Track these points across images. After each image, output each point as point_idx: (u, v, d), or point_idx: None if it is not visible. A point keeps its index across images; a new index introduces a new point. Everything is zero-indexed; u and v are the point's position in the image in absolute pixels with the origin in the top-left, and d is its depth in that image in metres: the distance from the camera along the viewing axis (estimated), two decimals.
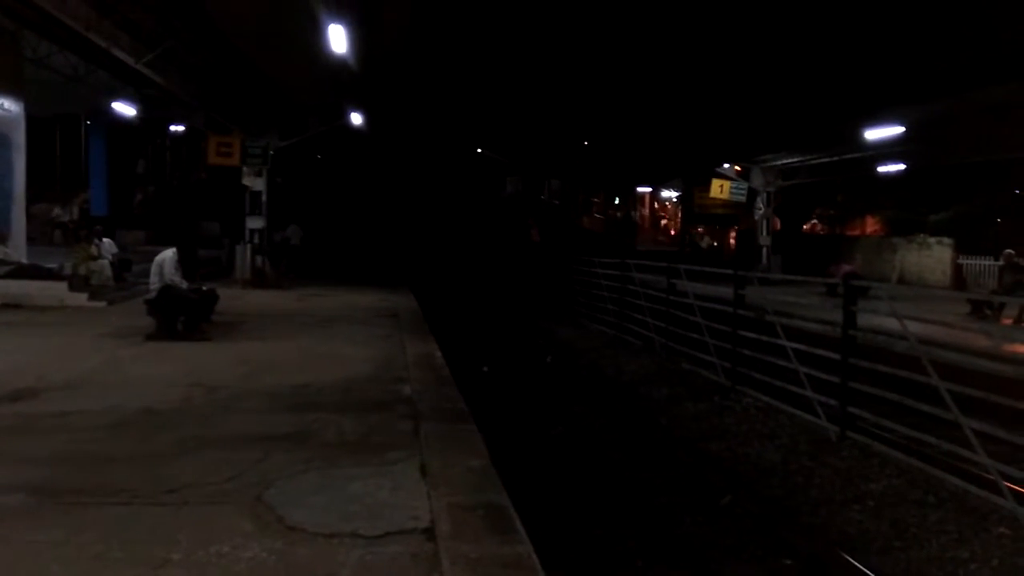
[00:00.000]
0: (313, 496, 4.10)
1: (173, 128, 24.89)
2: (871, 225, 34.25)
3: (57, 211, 26.40)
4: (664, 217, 53.79)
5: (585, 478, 7.20)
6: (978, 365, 6.30)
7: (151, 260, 10.02)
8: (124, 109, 19.17)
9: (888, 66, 15.58)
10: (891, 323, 6.96)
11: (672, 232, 48.59)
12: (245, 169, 18.35)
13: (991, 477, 5.51)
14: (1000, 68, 14.00)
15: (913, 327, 6.91)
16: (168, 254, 9.55)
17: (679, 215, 45.77)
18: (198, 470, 4.43)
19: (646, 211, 52.90)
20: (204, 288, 10.14)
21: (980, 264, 20.65)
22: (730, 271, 10.43)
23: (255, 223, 18.50)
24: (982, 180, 24.70)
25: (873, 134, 18.67)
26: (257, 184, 18.42)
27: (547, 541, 4.98)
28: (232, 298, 14.01)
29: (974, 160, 21.62)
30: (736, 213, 35.96)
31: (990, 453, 5.59)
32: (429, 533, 3.65)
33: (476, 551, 3.45)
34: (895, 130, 18.05)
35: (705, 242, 43.92)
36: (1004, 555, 4.93)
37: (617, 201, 50.89)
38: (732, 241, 40.73)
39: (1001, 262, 15.52)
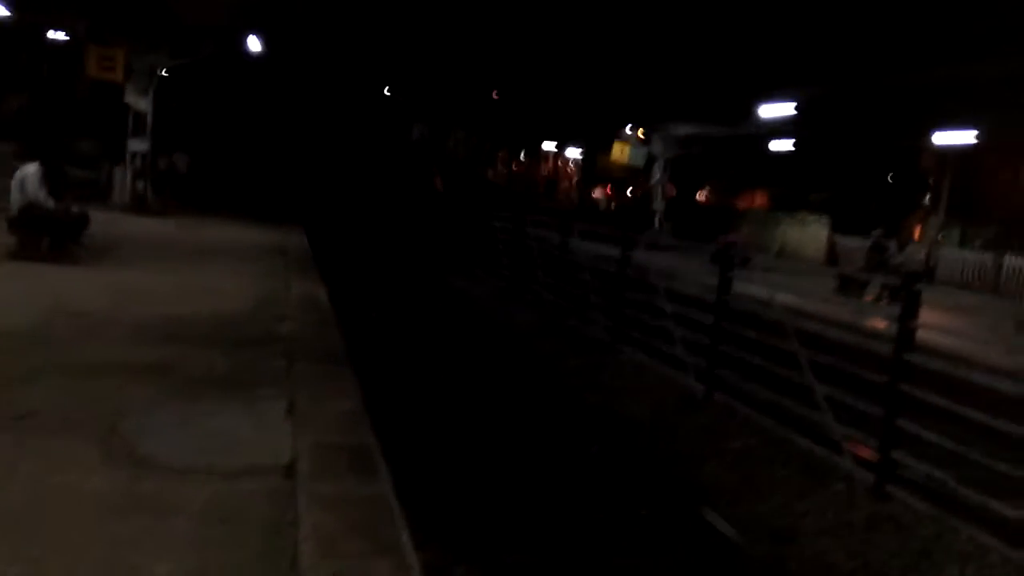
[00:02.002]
0: (171, 430, 3.97)
1: (52, 35, 22.95)
2: (759, 199, 35.71)
3: None
4: (567, 176, 54.28)
5: (461, 423, 7.28)
6: (834, 336, 6.71)
7: None
8: None
9: (782, 48, 16.12)
10: (765, 292, 7.30)
11: (573, 191, 49.14)
12: (129, 87, 17.17)
13: (835, 438, 5.92)
14: (887, 60, 14.74)
15: (784, 298, 7.27)
16: (31, 169, 8.89)
17: (581, 175, 46.24)
18: (49, 398, 4.22)
19: (550, 169, 53.21)
20: (73, 209, 9.51)
21: (852, 243, 21.94)
22: (620, 233, 10.64)
23: (138, 145, 17.42)
24: (862, 164, 26.12)
25: (766, 111, 19.36)
26: (142, 104, 17.30)
27: (411, 484, 5.03)
28: (108, 223, 13.21)
29: (856, 144, 22.83)
30: (634, 177, 36.73)
31: (837, 417, 6.00)
32: (289, 471, 3.61)
33: (334, 490, 3.44)
34: (786, 108, 18.78)
35: (603, 204, 44.66)
36: (838, 509, 5.34)
37: (522, 157, 50.92)
38: (629, 204, 41.61)
39: (870, 242, 16.57)
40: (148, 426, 3.97)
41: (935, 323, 6.51)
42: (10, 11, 16.99)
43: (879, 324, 9.71)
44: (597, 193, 44.45)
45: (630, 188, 41.03)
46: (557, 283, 12.21)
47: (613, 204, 44.26)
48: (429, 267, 19.42)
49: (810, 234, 25.15)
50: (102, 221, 12.25)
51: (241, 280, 9.05)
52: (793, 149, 25.70)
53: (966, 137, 18.99)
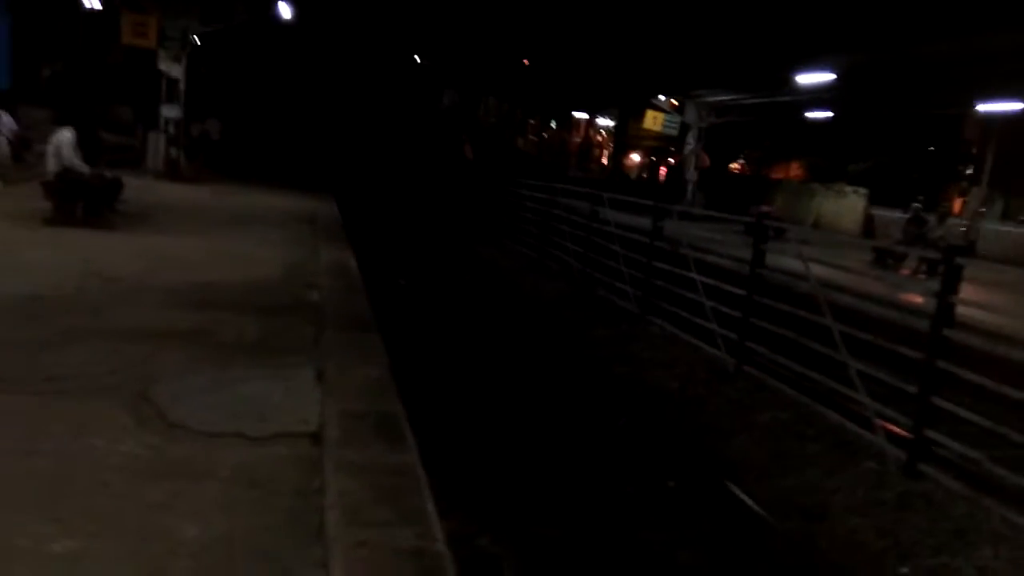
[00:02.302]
0: (201, 395, 4.01)
1: (87, 2, 23.06)
2: (795, 170, 35.05)
3: None
4: (599, 145, 53.71)
5: (488, 392, 7.30)
6: (870, 310, 6.57)
7: None
8: None
9: (821, 13, 15.66)
10: (799, 265, 7.16)
11: (604, 161, 48.65)
12: (162, 53, 17.24)
13: (867, 415, 5.82)
14: (930, 27, 14.25)
15: (818, 270, 7.13)
16: (66, 135, 8.98)
17: (614, 143, 45.74)
18: (81, 361, 4.27)
19: (581, 137, 52.67)
20: (108, 174, 9.61)
21: (890, 215, 21.47)
22: (652, 203, 10.50)
23: (171, 112, 17.53)
24: (903, 134, 25.45)
25: (804, 79, 18.89)
26: (175, 70, 17.38)
27: (437, 452, 5.05)
28: (142, 188, 13.36)
29: (895, 113, 22.22)
30: (668, 147, 36.21)
31: (870, 393, 5.90)
32: (316, 438, 3.63)
33: (361, 457, 3.45)
34: (824, 76, 18.29)
35: (635, 173, 44.17)
36: (869, 487, 5.26)
37: (553, 125, 50.45)
38: (663, 173, 41.11)
39: (908, 214, 16.18)
40: (179, 391, 4.01)
41: (975, 299, 6.35)
42: None
43: (916, 299, 9.50)
44: (631, 162, 43.95)
45: (662, 160, 40.46)
46: (587, 253, 12.13)
47: (645, 174, 43.79)
48: (458, 236, 19.40)
49: (847, 206, 24.64)
50: (136, 187, 12.38)
51: (272, 247, 9.11)
52: (831, 118, 25.10)
53: (1012, 107, 18.36)
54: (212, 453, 3.35)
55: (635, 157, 44.97)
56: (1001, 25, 13.42)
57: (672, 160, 38.80)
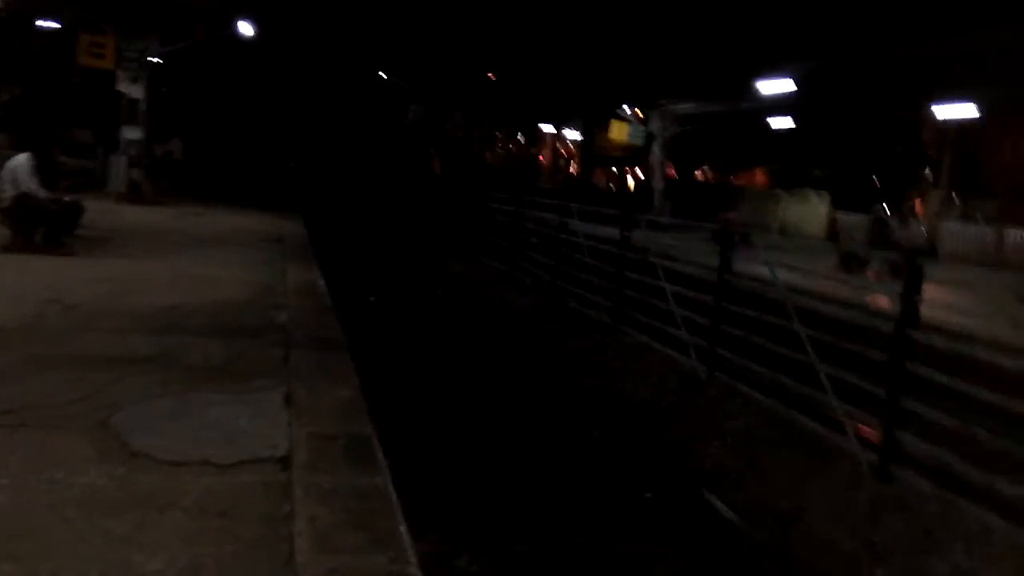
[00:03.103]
0: (165, 422, 3.91)
1: (43, 24, 22.71)
2: (759, 176, 35.50)
3: None
4: (566, 156, 53.97)
5: (460, 408, 7.24)
6: (836, 313, 6.64)
7: None
8: None
9: (780, 21, 15.94)
10: (766, 271, 7.22)
11: (572, 172, 48.90)
12: (121, 74, 17.01)
13: (838, 418, 5.87)
14: (884, 32, 14.56)
15: (784, 275, 7.20)
16: (21, 159, 8.78)
17: (580, 155, 45.98)
18: (41, 391, 4.16)
19: (548, 150, 52.89)
20: (67, 199, 9.42)
21: (853, 219, 21.81)
22: (620, 213, 10.55)
23: (132, 133, 17.28)
24: (863, 139, 25.90)
25: (765, 87, 19.18)
26: (134, 91, 17.14)
27: (409, 473, 4.99)
28: (103, 212, 13.12)
29: (855, 117, 22.64)
30: (634, 156, 36.45)
31: (840, 396, 5.94)
32: (285, 462, 3.56)
33: (331, 481, 3.39)
34: (784, 84, 18.60)
35: (602, 183, 44.43)
36: (841, 491, 5.29)
37: (520, 138, 50.61)
38: (630, 183, 41.40)
39: (870, 217, 16.46)
40: (142, 418, 3.91)
41: (938, 299, 6.44)
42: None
43: (881, 301, 9.64)
44: (597, 176, 44.21)
45: (625, 170, 40.78)
46: (557, 265, 12.13)
47: (613, 185, 44.07)
48: (428, 251, 19.33)
49: (811, 211, 25.00)
50: (97, 211, 12.15)
51: (238, 268, 8.98)
52: (793, 125, 25.49)
53: (966, 110, 18.81)
54: (177, 482, 3.27)
55: (602, 168, 45.24)
56: (952, 29, 13.76)
57: (638, 170, 39.10)
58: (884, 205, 16.21)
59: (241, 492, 3.24)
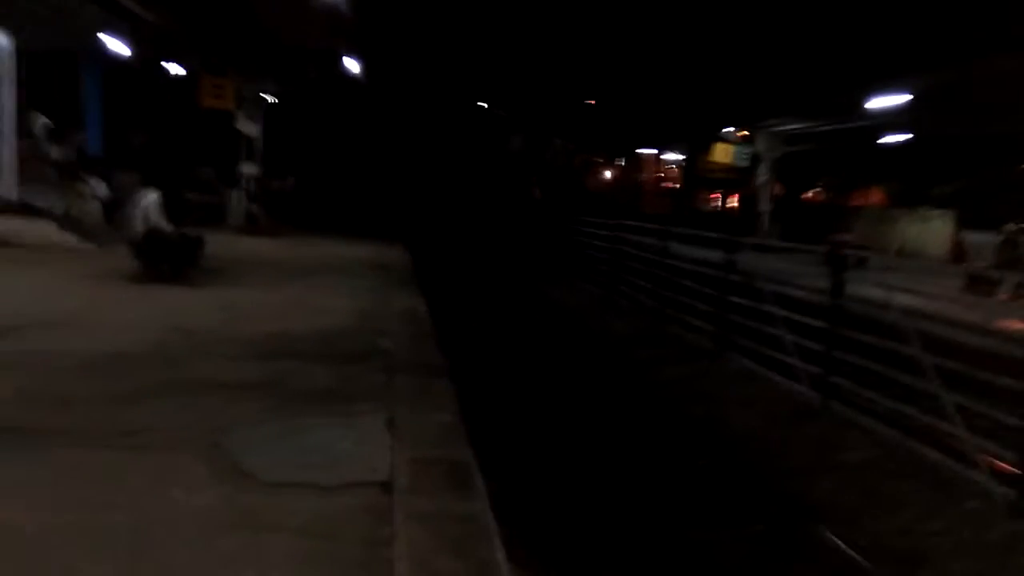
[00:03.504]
0: (273, 444, 4.04)
1: (170, 69, 24.44)
2: (875, 196, 33.91)
3: (53, 149, 26.06)
4: (668, 180, 53.29)
5: (561, 435, 7.16)
6: (964, 339, 6.20)
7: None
8: (116, 46, 18.78)
9: (894, 34, 15.24)
10: (883, 294, 6.84)
11: (675, 196, 48.22)
12: (239, 113, 18.07)
13: (968, 451, 5.45)
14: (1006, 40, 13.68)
15: (905, 299, 6.81)
16: (152, 196, 9.42)
17: (682, 178, 45.29)
18: (159, 414, 4.37)
19: (650, 174, 52.37)
20: (190, 233, 10.01)
21: (982, 238, 20.44)
22: (724, 236, 10.29)
23: (249, 169, 18.29)
24: (988, 153, 24.33)
25: (877, 103, 18.35)
26: (252, 129, 18.17)
27: (511, 500, 4.94)
28: (223, 244, 13.86)
29: (980, 132, 21.31)
30: (739, 178, 35.60)
31: (969, 427, 5.53)
32: (386, 486, 3.59)
33: (431, 506, 3.40)
34: (900, 99, 17.73)
35: (707, 206, 43.55)
36: (972, 529, 4.89)
37: (622, 162, 50.38)
38: (734, 206, 40.38)
39: (1000, 237, 15.38)
40: (252, 441, 4.05)
41: None
42: (132, 50, 18.14)
43: (1015, 325, 8.95)
44: (702, 199, 43.41)
45: (735, 192, 39.80)
46: (657, 289, 11.92)
47: (718, 206, 43.12)
48: (527, 277, 19.43)
49: (933, 231, 23.62)
50: (218, 243, 12.86)
51: (344, 296, 9.27)
52: (910, 141, 24.25)
53: None
54: (283, 503, 3.35)
55: (707, 191, 44.38)
56: None
57: (745, 191, 38.14)
58: (1018, 224, 15.06)
59: (343, 515, 3.28)
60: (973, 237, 21.18)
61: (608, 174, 50.38)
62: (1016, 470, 5.01)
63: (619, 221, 14.97)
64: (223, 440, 4.01)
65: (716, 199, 43.94)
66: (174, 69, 22.60)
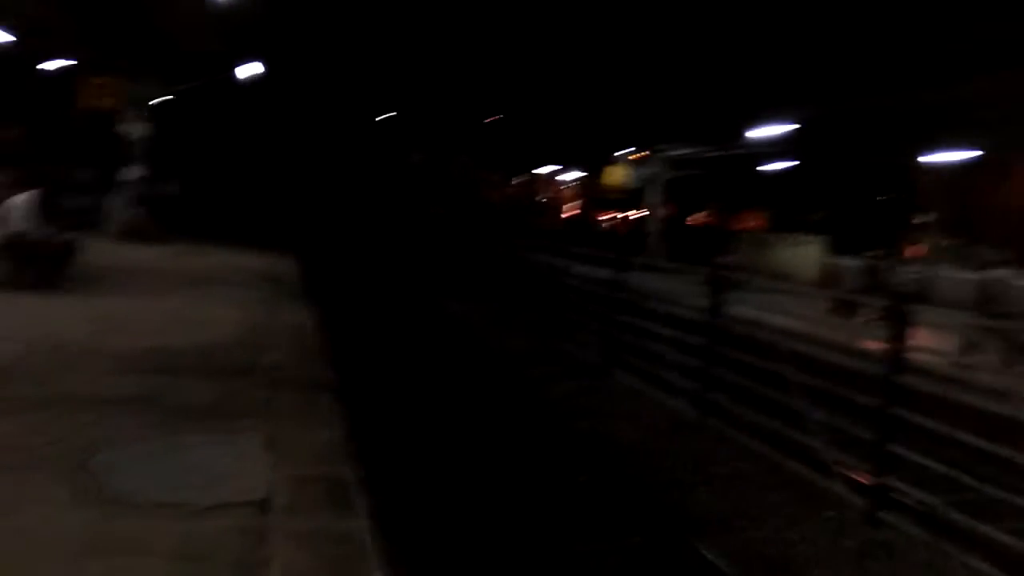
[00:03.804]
0: (145, 465, 3.89)
1: (48, 65, 23.07)
2: (756, 220, 35.70)
3: None
4: (564, 199, 54.32)
5: (447, 450, 7.18)
6: (826, 357, 6.65)
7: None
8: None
9: (776, 70, 16.24)
10: (758, 315, 7.25)
11: (572, 214, 49.25)
12: (122, 115, 17.24)
13: (828, 463, 5.84)
14: (880, 81, 14.82)
15: (777, 320, 7.24)
16: (20, 199, 8.87)
17: (578, 198, 46.35)
18: (19, 432, 4.14)
19: (548, 192, 53.28)
20: (60, 238, 9.47)
21: (848, 264, 21.85)
22: (615, 256, 10.62)
23: (132, 173, 17.45)
24: (859, 184, 26.14)
25: (762, 132, 19.43)
26: (136, 132, 17.36)
27: (395, 517, 4.93)
28: (102, 251, 13.20)
29: (853, 163, 22.86)
30: (632, 199, 36.75)
31: (829, 441, 5.92)
32: (264, 506, 3.53)
33: (309, 525, 3.36)
34: (782, 129, 18.85)
35: (601, 225, 44.68)
36: (830, 536, 5.24)
37: (520, 180, 51.09)
38: (628, 226, 41.63)
39: (863, 263, 16.53)
40: (121, 462, 3.88)
41: (930, 344, 6.45)
42: (14, 35, 16.99)
43: (872, 345, 9.64)
44: (596, 218, 44.50)
45: (625, 213, 41.07)
46: (552, 307, 12.16)
47: (609, 226, 44.31)
48: (425, 292, 19.35)
49: (804, 255, 25.05)
50: (95, 250, 12.21)
51: (230, 308, 8.99)
52: (790, 169, 25.74)
53: (960, 156, 19.03)
54: (153, 526, 3.23)
55: (601, 210, 45.55)
56: (944, 81, 14.01)
57: (636, 213, 39.40)
58: (880, 252, 16.27)
59: (217, 537, 3.20)
60: (840, 262, 22.63)
61: (508, 192, 50.93)
62: (868, 481, 5.40)
63: (517, 239, 15.20)
64: (90, 460, 3.83)
65: (610, 219, 45.17)
66: (52, 64, 21.33)
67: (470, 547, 5.15)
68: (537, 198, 50.04)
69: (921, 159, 20.80)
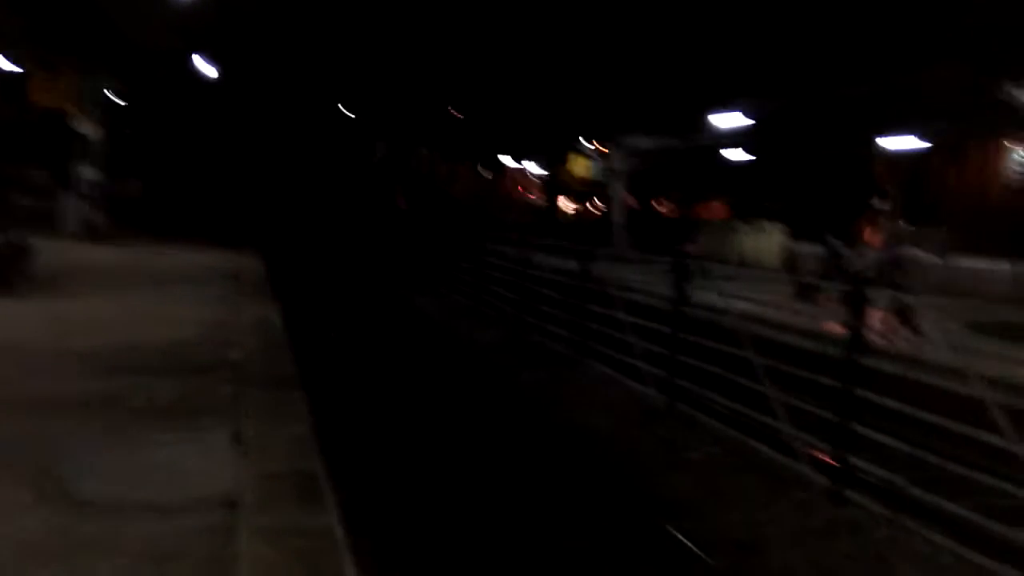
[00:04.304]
0: (110, 465, 3.82)
1: None
2: (718, 209, 36.11)
3: None
4: (529, 190, 54.38)
5: (417, 444, 7.16)
6: (790, 341, 6.75)
7: None
8: None
9: (735, 61, 16.41)
10: (722, 301, 7.32)
11: (537, 205, 49.31)
12: (78, 113, 16.85)
13: (793, 445, 5.93)
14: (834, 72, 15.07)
15: (742, 305, 7.33)
16: None
17: (544, 190, 46.43)
18: None
19: (512, 183, 53.26)
20: (11, 239, 9.24)
21: (809, 249, 22.21)
22: (581, 247, 10.66)
23: (88, 172, 17.08)
24: (818, 171, 26.50)
25: (720, 122, 19.64)
26: (91, 130, 16.98)
27: (366, 511, 4.91)
28: (58, 252, 12.91)
29: (811, 151, 23.21)
30: (596, 191, 36.91)
31: (795, 423, 6.01)
32: (232, 503, 3.49)
33: (278, 522, 3.33)
34: (740, 120, 19.08)
35: (566, 216, 44.85)
36: (798, 517, 5.33)
37: (484, 172, 50.98)
38: (591, 217, 41.82)
39: (824, 248, 16.81)
40: (85, 463, 3.81)
41: (890, 327, 6.58)
42: None
43: (834, 328, 9.82)
44: (564, 206, 44.64)
45: (590, 204, 41.29)
46: (520, 298, 12.17)
47: (575, 216, 44.51)
48: (393, 286, 19.26)
49: (767, 242, 25.44)
50: (52, 250, 11.95)
51: (192, 306, 8.86)
52: (749, 159, 26.07)
53: (913, 142, 19.44)
54: (119, 527, 3.18)
55: (566, 202, 45.70)
56: (895, 69, 14.28)
57: (601, 204, 39.58)
58: (837, 235, 16.58)
59: (185, 535, 3.16)
60: (802, 247, 23.01)
61: (473, 184, 50.81)
62: (832, 461, 5.51)
63: (483, 231, 15.16)
64: (52, 462, 3.75)
65: (575, 210, 45.35)
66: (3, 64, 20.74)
67: (442, 539, 5.15)
68: (502, 190, 50.02)
69: (877, 146, 21.20)
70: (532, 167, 46.04)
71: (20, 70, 19.78)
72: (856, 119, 18.96)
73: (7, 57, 20.06)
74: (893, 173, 23.07)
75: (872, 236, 22.61)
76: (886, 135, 19.60)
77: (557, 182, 40.92)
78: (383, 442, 7.05)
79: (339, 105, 37.56)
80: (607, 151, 27.43)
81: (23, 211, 15.61)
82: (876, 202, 23.64)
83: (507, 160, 46.87)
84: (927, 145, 19.61)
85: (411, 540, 5.03)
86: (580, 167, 27.60)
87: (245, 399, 5.09)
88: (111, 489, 3.53)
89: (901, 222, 22.35)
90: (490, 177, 50.36)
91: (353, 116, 38.52)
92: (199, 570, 2.93)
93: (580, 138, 27.75)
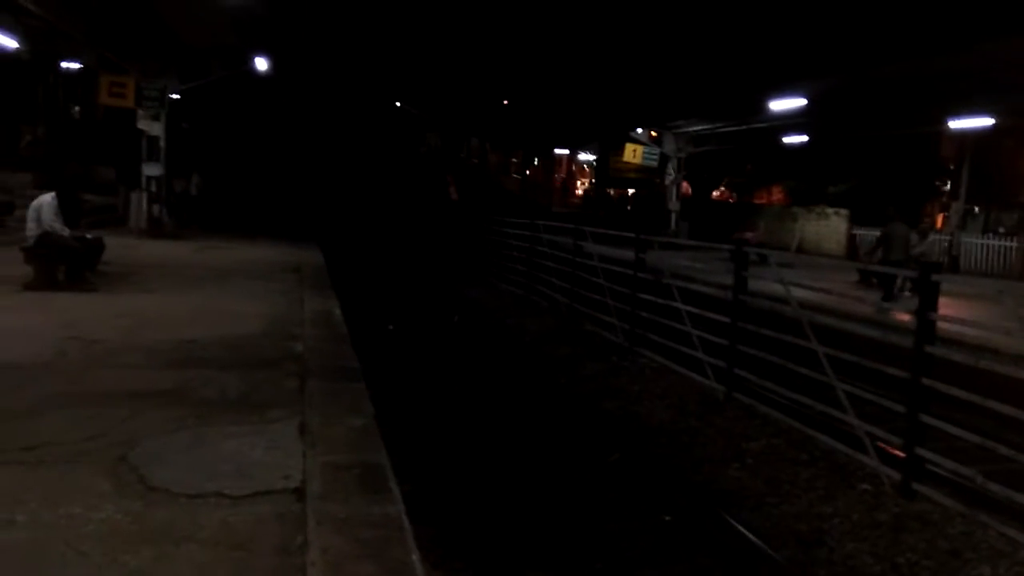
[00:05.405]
0: (181, 455, 3.95)
1: (65, 65, 23.27)
2: (777, 194, 35.37)
3: None
4: (581, 180, 54.11)
5: (476, 435, 7.23)
6: (854, 330, 6.58)
7: None
8: (3, 39, 17.74)
9: (792, 40, 15.97)
10: (783, 290, 7.18)
11: (589, 195, 49.04)
12: (141, 112, 17.37)
13: (859, 436, 5.80)
14: (895, 48, 14.54)
15: (803, 294, 7.18)
16: (46, 199, 8.98)
17: (596, 178, 46.14)
18: (60, 428, 4.21)
19: (563, 173, 53.06)
20: (89, 236, 9.59)
21: (873, 235, 21.62)
22: (635, 235, 10.55)
23: (152, 170, 17.60)
24: (881, 153, 25.75)
25: (778, 105, 19.18)
26: (154, 128, 17.48)
27: (428, 501, 4.99)
28: (125, 248, 13.37)
29: (873, 134, 22.53)
30: (649, 178, 36.52)
31: (860, 414, 5.88)
32: (299, 493, 3.57)
33: (345, 511, 3.40)
34: (798, 102, 18.59)
35: (618, 205, 44.50)
36: (864, 510, 5.22)
37: (536, 162, 50.90)
38: (645, 204, 41.40)
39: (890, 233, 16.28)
40: (159, 453, 3.95)
41: (958, 314, 6.36)
42: (21, 44, 17.16)
43: (901, 316, 9.53)
44: (613, 198, 44.24)
45: (644, 191, 40.83)
46: (572, 288, 12.14)
47: (630, 206, 44.13)
48: (444, 277, 19.42)
49: (829, 228, 24.85)
50: (119, 247, 12.37)
51: (255, 300, 9.07)
52: (809, 142, 25.42)
53: (982, 122, 18.67)
54: (193, 515, 3.29)
55: (618, 190, 45.33)
56: (962, 45, 13.71)
57: (655, 191, 39.14)
58: (903, 221, 16.07)
59: (256, 524, 3.25)
60: (865, 233, 22.40)
61: (524, 173, 50.81)
62: (901, 453, 5.36)
63: (534, 221, 15.15)
64: (128, 452, 3.90)
65: (629, 197, 44.96)
66: (69, 64, 21.51)
67: (504, 528, 5.19)
68: (554, 180, 49.88)
69: (943, 126, 20.44)
70: (586, 156, 45.78)
71: (87, 72, 20.49)
72: (920, 97, 18.28)
73: (77, 61, 20.81)
74: (961, 154, 22.24)
75: (940, 221, 21.87)
76: (954, 114, 18.86)
77: (610, 170, 40.59)
78: (444, 432, 7.14)
79: (391, 97, 37.89)
80: (662, 138, 27.06)
81: (92, 210, 16.19)
82: (945, 186, 22.85)
83: (560, 150, 46.71)
84: (996, 126, 18.80)
85: (474, 530, 5.09)
86: (633, 155, 27.27)
87: (309, 391, 5.20)
88: (184, 478, 3.64)
89: (968, 206, 21.57)
90: (542, 167, 50.27)
91: (405, 107, 38.81)
92: (270, 556, 3.01)
93: (634, 125, 27.39)
